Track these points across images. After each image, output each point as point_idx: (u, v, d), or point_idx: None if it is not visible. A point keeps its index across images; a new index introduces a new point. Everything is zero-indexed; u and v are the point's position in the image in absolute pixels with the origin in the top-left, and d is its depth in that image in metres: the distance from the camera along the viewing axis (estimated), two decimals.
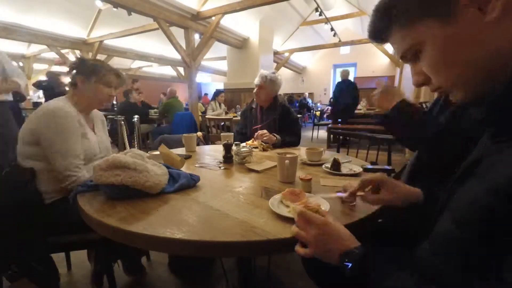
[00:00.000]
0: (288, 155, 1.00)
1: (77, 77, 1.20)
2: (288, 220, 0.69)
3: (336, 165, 1.13)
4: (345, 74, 5.57)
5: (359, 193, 0.73)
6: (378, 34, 0.47)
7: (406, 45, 0.44)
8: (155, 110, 5.99)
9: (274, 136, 1.73)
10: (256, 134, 1.74)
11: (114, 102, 5.77)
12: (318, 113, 10.14)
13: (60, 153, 1.05)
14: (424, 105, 3.37)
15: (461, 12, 0.36)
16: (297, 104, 9.40)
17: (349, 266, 0.46)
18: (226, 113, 5.64)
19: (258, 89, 1.92)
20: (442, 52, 0.40)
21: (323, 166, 1.21)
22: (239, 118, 2.82)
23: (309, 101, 10.69)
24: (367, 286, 0.44)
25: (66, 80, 1.93)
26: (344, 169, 1.15)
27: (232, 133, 1.78)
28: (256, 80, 1.93)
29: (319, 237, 0.51)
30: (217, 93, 5.72)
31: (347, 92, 5.38)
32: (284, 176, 1.02)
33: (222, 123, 4.19)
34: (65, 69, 10.25)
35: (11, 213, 0.95)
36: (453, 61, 0.40)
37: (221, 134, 1.80)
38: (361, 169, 1.15)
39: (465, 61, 0.38)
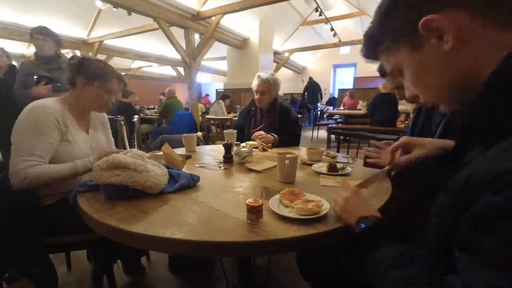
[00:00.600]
0: (288, 155, 1.00)
1: (77, 78, 1.13)
2: (288, 220, 0.69)
3: (332, 168, 1.14)
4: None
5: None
6: (368, 56, 0.54)
7: (389, 67, 0.51)
8: (155, 110, 5.99)
9: (272, 135, 1.73)
10: (253, 135, 1.73)
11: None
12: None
13: (17, 150, 0.99)
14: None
15: (425, 41, 0.41)
16: (297, 104, 9.39)
17: (362, 226, 0.58)
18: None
19: (260, 95, 1.86)
20: (415, 74, 0.47)
21: (312, 166, 1.19)
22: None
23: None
24: (365, 253, 0.53)
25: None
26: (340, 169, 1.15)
27: (235, 131, 1.77)
28: (258, 85, 1.85)
29: (350, 200, 0.66)
30: (226, 97, 6.02)
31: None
32: (284, 176, 1.02)
33: (228, 123, 4.18)
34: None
35: (7, 217, 0.94)
36: (427, 81, 0.46)
37: (224, 131, 1.79)
38: (350, 169, 1.14)
39: (435, 81, 0.44)
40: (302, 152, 1.57)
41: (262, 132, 1.71)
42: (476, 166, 0.37)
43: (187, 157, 1.44)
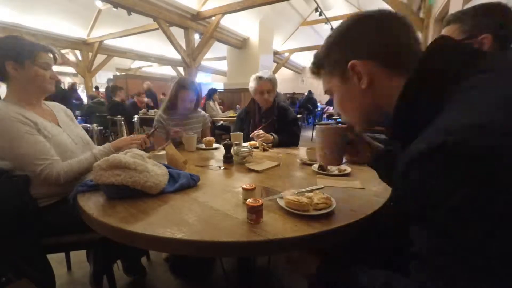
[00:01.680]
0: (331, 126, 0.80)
1: (6, 64, 1.00)
2: (288, 220, 0.69)
3: (321, 166, 1.14)
4: None
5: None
6: (313, 73, 0.66)
7: (326, 87, 0.64)
8: (155, 110, 5.98)
9: (272, 135, 1.73)
10: (252, 135, 1.73)
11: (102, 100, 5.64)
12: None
13: (25, 155, 0.98)
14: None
15: (351, 78, 0.55)
16: (298, 106, 9.37)
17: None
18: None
19: (267, 94, 1.84)
20: (340, 100, 0.62)
21: (312, 166, 1.20)
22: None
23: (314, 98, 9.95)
24: None
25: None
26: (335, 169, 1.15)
27: (242, 133, 1.75)
28: (262, 84, 1.83)
29: None
30: (213, 91, 5.35)
31: None
32: (332, 156, 0.78)
33: (220, 123, 4.18)
34: (67, 69, 10.24)
35: (6, 218, 0.93)
36: (347, 107, 0.61)
37: (231, 133, 1.77)
38: (349, 169, 1.14)
39: (353, 108, 0.60)
40: (301, 152, 1.57)
41: (261, 132, 1.71)
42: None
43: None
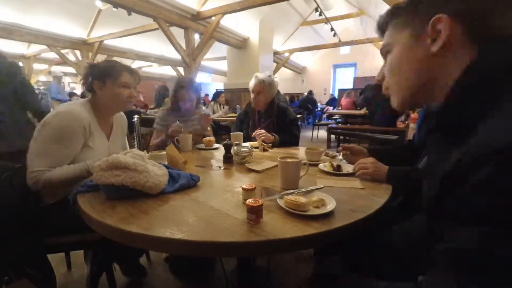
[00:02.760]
0: (289, 160, 0.95)
1: (94, 83, 1.17)
2: (288, 221, 0.69)
3: (337, 168, 1.14)
4: None
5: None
6: (381, 23, 0.57)
7: (385, 41, 0.55)
8: (155, 110, 5.97)
9: (273, 135, 1.73)
10: (253, 134, 1.73)
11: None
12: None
13: (36, 152, 1.02)
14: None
15: (424, 36, 0.47)
16: (297, 104, 9.37)
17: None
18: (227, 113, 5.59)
19: (256, 95, 1.86)
20: (397, 59, 0.52)
21: (319, 165, 1.20)
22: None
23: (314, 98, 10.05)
24: None
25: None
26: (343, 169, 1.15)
27: (242, 133, 1.76)
28: (252, 85, 1.87)
29: (374, 162, 1.01)
30: (218, 94, 5.56)
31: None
32: (287, 182, 0.96)
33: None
34: (67, 69, 10.26)
35: (7, 219, 0.93)
36: (401, 68, 0.52)
37: (231, 133, 1.78)
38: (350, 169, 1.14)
39: (406, 73, 0.51)
40: (301, 152, 1.57)
41: (262, 130, 1.71)
42: (464, 149, 0.38)
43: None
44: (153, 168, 0.91)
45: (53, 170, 1.02)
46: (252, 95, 1.90)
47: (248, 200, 0.69)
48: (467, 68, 0.42)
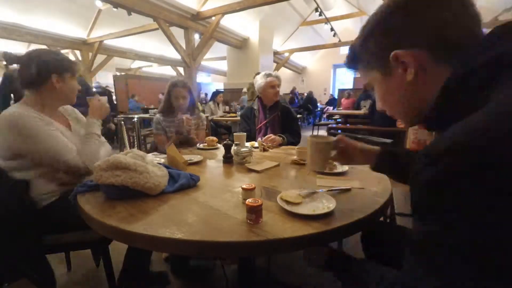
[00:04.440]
0: (320, 140, 0.88)
1: (52, 77, 1.08)
2: (288, 220, 0.69)
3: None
4: None
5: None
6: (350, 67, 0.62)
7: (365, 81, 0.59)
8: (155, 110, 5.97)
9: (280, 136, 1.76)
10: (263, 139, 1.71)
11: None
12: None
13: (50, 149, 1.02)
14: None
15: (393, 71, 0.49)
16: (297, 104, 9.37)
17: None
18: (227, 113, 5.58)
19: (278, 87, 2.00)
20: (383, 94, 0.56)
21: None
22: (238, 118, 2.79)
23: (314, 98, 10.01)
24: None
25: None
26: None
27: (245, 133, 1.75)
28: (273, 80, 1.96)
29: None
30: (216, 94, 5.48)
31: None
32: (316, 164, 0.89)
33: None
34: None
35: (5, 219, 0.93)
36: (391, 101, 0.56)
37: (234, 134, 1.77)
38: (346, 168, 1.14)
39: (397, 103, 0.54)
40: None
41: (271, 135, 1.72)
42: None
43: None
44: (153, 168, 0.91)
45: (80, 152, 1.09)
46: (269, 90, 1.97)
47: (247, 200, 0.69)
48: (442, 87, 0.45)
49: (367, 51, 0.53)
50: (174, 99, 1.85)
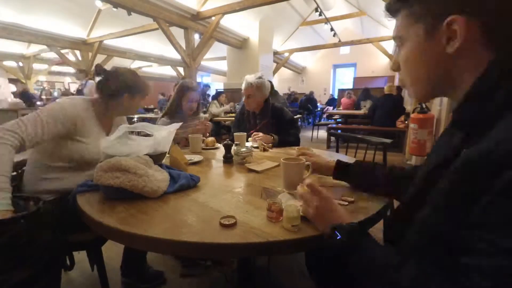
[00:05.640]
0: (292, 161, 0.93)
1: (125, 95, 1.22)
2: None
3: None
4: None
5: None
6: (390, 10, 0.54)
7: (398, 32, 0.52)
8: (156, 110, 5.99)
9: (271, 135, 1.72)
10: (251, 137, 1.72)
11: None
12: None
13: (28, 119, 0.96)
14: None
15: (438, 34, 0.45)
16: (297, 104, 9.37)
17: (338, 237, 0.53)
18: (230, 112, 5.55)
19: (246, 98, 1.88)
20: (412, 54, 0.50)
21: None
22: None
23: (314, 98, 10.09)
24: (353, 258, 0.50)
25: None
26: None
27: (245, 133, 1.75)
28: (244, 88, 1.86)
29: (321, 208, 0.62)
30: (218, 94, 5.64)
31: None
32: (289, 185, 0.91)
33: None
34: (67, 69, 10.23)
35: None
36: (415, 65, 0.50)
37: (234, 134, 1.77)
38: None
39: (420, 70, 0.50)
40: None
41: (259, 134, 1.71)
42: (476, 150, 0.38)
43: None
44: (154, 172, 0.90)
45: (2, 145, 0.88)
46: (245, 101, 1.91)
47: (268, 200, 0.71)
48: (485, 70, 0.42)
49: (424, 2, 0.47)
50: (187, 102, 1.83)
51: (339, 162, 0.96)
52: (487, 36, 0.42)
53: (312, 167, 0.98)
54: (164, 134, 1.12)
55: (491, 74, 0.41)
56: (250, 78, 1.87)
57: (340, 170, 0.95)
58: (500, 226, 0.33)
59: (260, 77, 1.87)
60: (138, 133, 1.19)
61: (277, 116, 1.90)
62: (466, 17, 0.42)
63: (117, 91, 1.21)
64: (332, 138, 5.32)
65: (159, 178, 0.89)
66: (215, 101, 5.36)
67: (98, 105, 1.22)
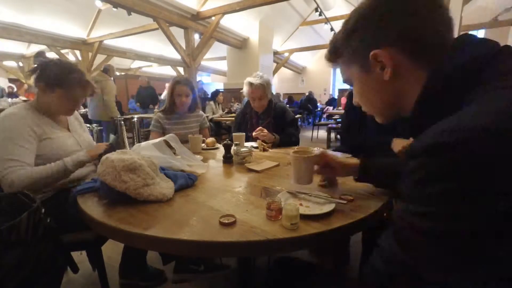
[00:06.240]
0: (302, 155, 0.89)
1: (38, 84, 1.10)
2: None
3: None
4: None
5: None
6: (330, 61, 0.61)
7: (345, 76, 0.60)
8: (156, 110, 5.95)
9: (273, 135, 1.72)
10: (255, 131, 1.70)
11: None
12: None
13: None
14: None
15: (372, 68, 0.50)
16: (298, 104, 9.37)
17: None
18: (228, 112, 5.56)
19: (258, 100, 1.84)
20: (360, 90, 0.58)
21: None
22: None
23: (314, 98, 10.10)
24: None
25: None
26: None
27: (244, 133, 1.74)
28: (253, 91, 1.81)
29: None
30: (216, 93, 5.53)
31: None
32: (300, 178, 0.89)
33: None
34: None
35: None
36: (368, 97, 0.57)
37: (233, 134, 1.76)
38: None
39: (374, 100, 0.56)
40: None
41: (265, 130, 1.69)
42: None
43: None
44: (160, 181, 0.89)
45: (28, 169, 0.99)
46: (253, 102, 1.86)
47: (268, 199, 0.71)
48: (423, 86, 0.46)
49: (349, 47, 0.53)
50: (177, 96, 1.81)
51: (364, 161, 0.87)
52: (413, 56, 0.47)
53: (328, 163, 0.88)
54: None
55: (429, 89, 0.45)
56: (257, 79, 1.81)
57: (366, 171, 0.86)
58: (407, 199, 0.40)
59: (262, 76, 1.86)
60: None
61: (280, 116, 1.89)
62: (384, 48, 0.47)
63: (35, 82, 1.11)
64: (332, 138, 5.32)
65: (164, 186, 0.88)
66: (212, 103, 5.32)
67: (37, 107, 1.14)
